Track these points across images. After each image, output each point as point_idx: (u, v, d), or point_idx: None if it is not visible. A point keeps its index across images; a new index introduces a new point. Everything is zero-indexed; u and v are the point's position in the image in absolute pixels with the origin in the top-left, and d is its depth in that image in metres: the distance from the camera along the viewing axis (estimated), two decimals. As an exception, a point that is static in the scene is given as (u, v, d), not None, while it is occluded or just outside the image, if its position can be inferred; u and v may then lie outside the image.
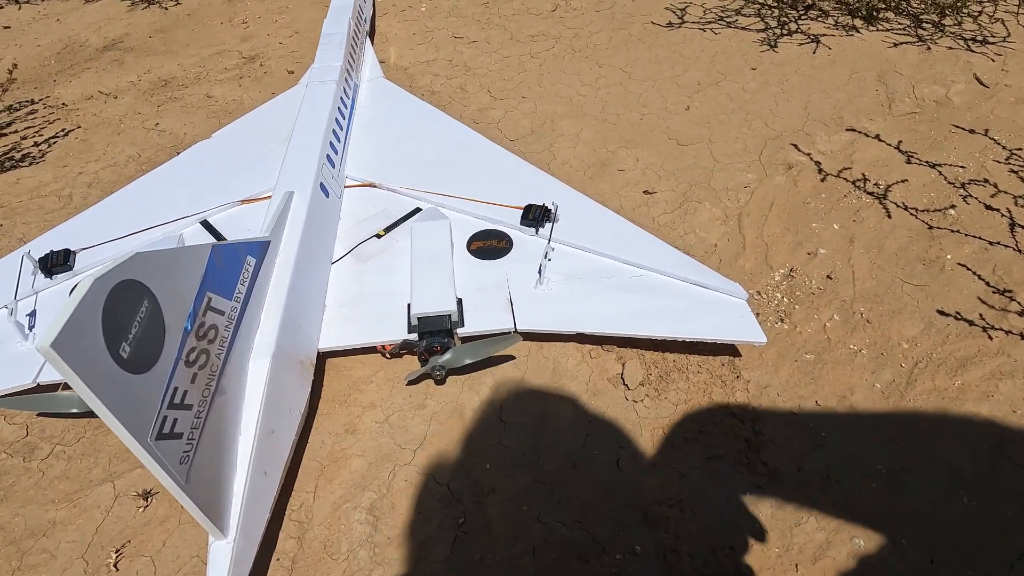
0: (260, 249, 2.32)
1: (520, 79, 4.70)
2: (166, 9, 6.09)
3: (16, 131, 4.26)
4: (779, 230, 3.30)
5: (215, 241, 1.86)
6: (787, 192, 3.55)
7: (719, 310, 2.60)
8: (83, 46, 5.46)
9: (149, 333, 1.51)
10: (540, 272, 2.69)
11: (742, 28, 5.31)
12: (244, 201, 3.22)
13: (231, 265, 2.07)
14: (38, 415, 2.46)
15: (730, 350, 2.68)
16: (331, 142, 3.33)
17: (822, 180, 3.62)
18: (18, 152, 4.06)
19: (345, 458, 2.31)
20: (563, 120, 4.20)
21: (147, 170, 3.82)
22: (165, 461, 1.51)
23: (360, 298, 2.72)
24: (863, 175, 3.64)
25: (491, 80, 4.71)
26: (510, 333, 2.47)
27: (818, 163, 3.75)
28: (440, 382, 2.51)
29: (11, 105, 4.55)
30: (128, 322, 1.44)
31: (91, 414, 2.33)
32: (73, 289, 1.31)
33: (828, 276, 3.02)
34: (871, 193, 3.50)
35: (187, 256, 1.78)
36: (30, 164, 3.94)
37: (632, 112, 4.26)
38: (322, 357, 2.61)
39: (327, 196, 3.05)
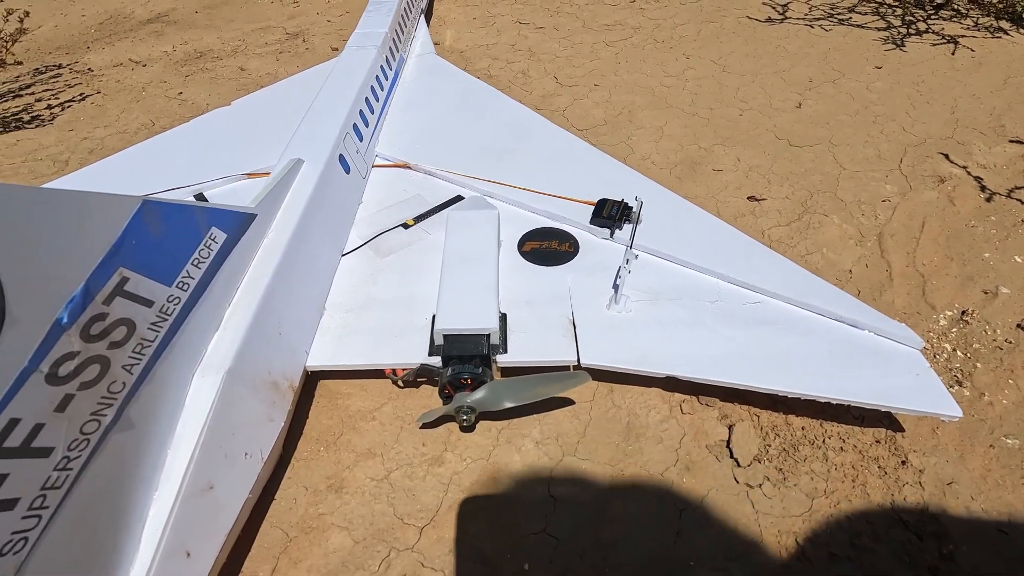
0: (236, 222, 1.67)
1: (592, 67, 4.02)
2: (219, -12, 5.77)
3: (34, 93, 3.88)
4: (938, 258, 2.44)
5: (145, 196, 1.20)
6: (942, 211, 2.69)
7: (880, 361, 1.78)
8: (127, 18, 5.16)
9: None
10: (617, 287, 1.94)
11: (858, 26, 4.49)
12: (250, 175, 2.63)
13: (179, 236, 1.42)
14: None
15: (885, 420, 1.84)
16: (361, 111, 2.71)
17: (988, 200, 2.75)
18: (28, 114, 3.65)
19: (322, 529, 1.60)
20: (643, 111, 3.48)
21: (157, 139, 3.32)
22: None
23: (372, 303, 2.04)
24: (1045, 196, 2.75)
25: (558, 66, 4.05)
26: (572, 368, 1.73)
27: (979, 178, 2.87)
28: (467, 429, 1.79)
29: (38, 68, 4.20)
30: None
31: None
32: None
33: (1019, 325, 2.15)
34: (1061, 220, 2.61)
35: (79, 206, 1.12)
36: (36, 126, 3.52)
37: (729, 107, 3.50)
38: (312, 377, 1.93)
39: (347, 171, 2.41)
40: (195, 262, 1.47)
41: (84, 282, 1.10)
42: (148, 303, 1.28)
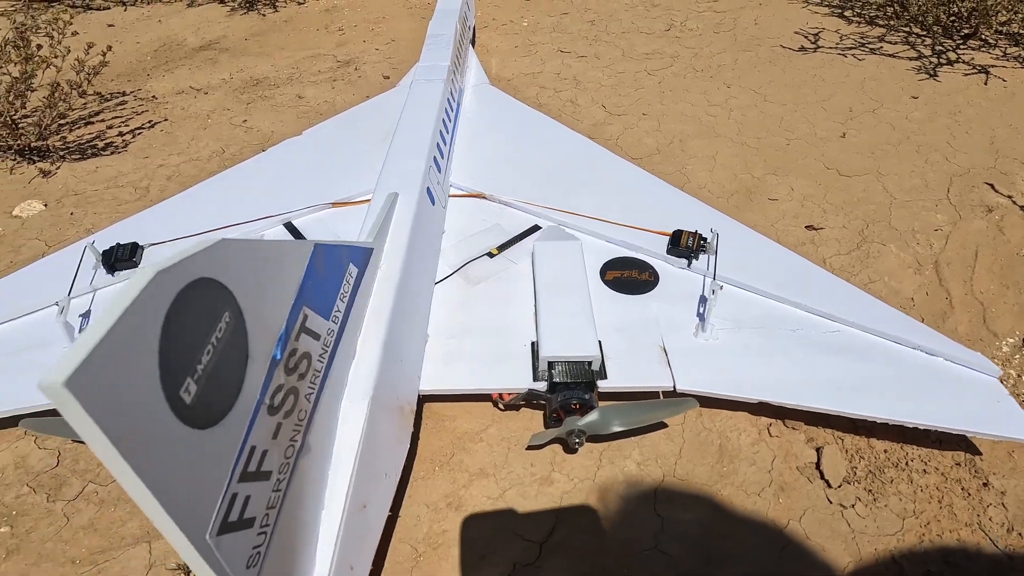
0: (363, 257, 1.81)
1: (637, 96, 4.18)
2: (264, 15, 5.98)
3: (104, 120, 4.05)
4: (995, 286, 2.56)
5: (316, 240, 1.34)
6: (993, 240, 2.81)
7: (960, 388, 1.89)
8: (180, 45, 5.36)
9: (227, 363, 0.98)
10: (703, 316, 2.07)
11: (890, 56, 4.65)
12: (336, 204, 2.77)
13: (332, 274, 1.55)
14: (73, 441, 1.99)
15: (962, 444, 1.95)
16: (437, 144, 2.86)
17: (1036, 228, 2.87)
18: (102, 141, 3.81)
19: (447, 545, 1.71)
20: (693, 140, 3.62)
21: (231, 166, 3.48)
22: (226, 566, 0.96)
23: (469, 330, 2.16)
24: (1090, 226, 2.87)
25: (604, 95, 4.21)
26: (679, 395, 1.84)
27: (1024, 208, 3.00)
28: (572, 451, 1.90)
29: (103, 95, 4.38)
30: (199, 345, 0.91)
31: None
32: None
33: (1079, 352, 2.26)
34: (1108, 249, 2.72)
35: (283, 253, 1.26)
36: (112, 153, 3.68)
37: (775, 136, 3.64)
38: (420, 402, 2.05)
39: (432, 203, 2.55)
40: (341, 296, 1.60)
41: (285, 320, 1.23)
42: (317, 336, 1.41)
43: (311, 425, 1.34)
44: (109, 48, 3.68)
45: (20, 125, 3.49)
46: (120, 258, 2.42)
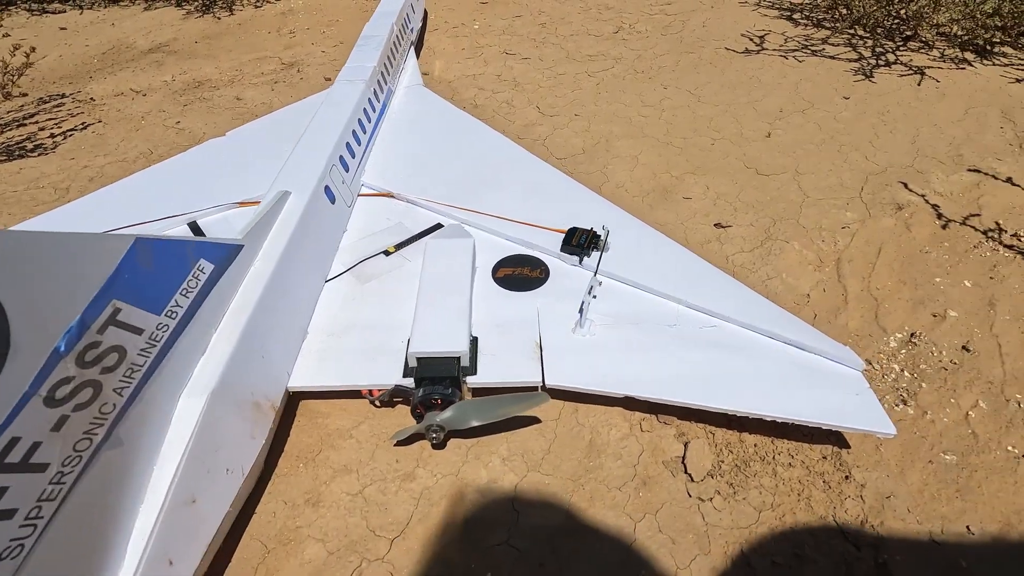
0: (223, 253, 1.81)
1: (574, 96, 4.20)
2: (219, 19, 5.99)
3: (37, 122, 4.04)
4: (892, 282, 2.58)
5: (138, 234, 1.33)
6: (898, 237, 2.83)
7: (825, 382, 1.90)
8: (129, 48, 5.36)
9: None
10: (581, 311, 2.07)
11: (830, 57, 4.69)
12: (242, 204, 2.77)
13: (169, 269, 1.55)
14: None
15: (833, 437, 1.96)
16: (348, 143, 2.86)
17: (943, 227, 2.90)
18: (31, 142, 3.81)
19: (298, 541, 1.71)
20: (620, 140, 3.64)
21: (154, 167, 3.47)
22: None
23: (352, 327, 2.17)
24: (997, 224, 2.89)
25: (541, 96, 4.23)
26: (536, 389, 1.85)
27: (935, 206, 3.03)
28: (438, 446, 1.90)
29: (43, 97, 4.37)
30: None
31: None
32: None
33: (964, 347, 2.28)
34: (1010, 247, 2.75)
35: (81, 246, 1.26)
36: (39, 155, 3.67)
37: (702, 136, 3.67)
38: (293, 398, 2.05)
39: (332, 201, 2.56)
40: (183, 292, 1.60)
41: (80, 314, 1.23)
42: (138, 331, 1.41)
43: (122, 418, 1.34)
44: (33, 50, 3.67)
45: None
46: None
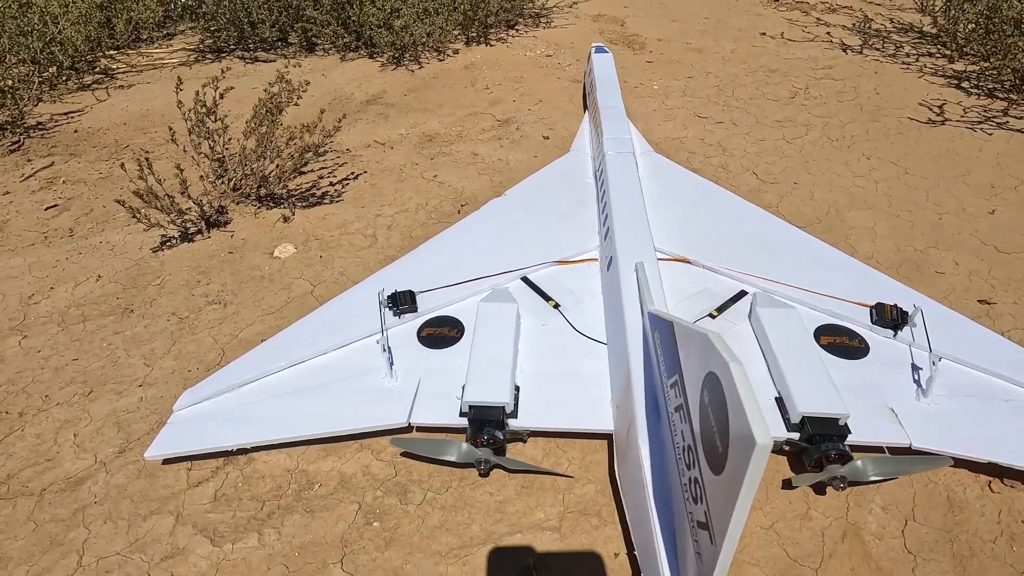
0: (665, 328, 2.26)
1: (784, 164, 4.60)
2: (412, 71, 6.68)
3: (312, 170, 4.69)
4: None
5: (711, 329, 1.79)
6: None
7: None
8: (349, 99, 6.06)
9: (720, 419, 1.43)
10: (921, 383, 2.44)
11: (1018, 131, 4.94)
12: (560, 262, 3.26)
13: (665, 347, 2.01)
14: (401, 455, 2.48)
15: None
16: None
17: None
18: (318, 190, 4.44)
19: (735, 565, 2.10)
20: (849, 211, 4.01)
21: (435, 218, 4.04)
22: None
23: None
24: None
25: (752, 162, 4.64)
26: (917, 452, 2.21)
27: None
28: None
29: (307, 146, 5.04)
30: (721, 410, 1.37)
31: (469, 465, 2.33)
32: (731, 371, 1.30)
33: None
34: None
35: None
36: (331, 202, 4.29)
37: (925, 210, 3.99)
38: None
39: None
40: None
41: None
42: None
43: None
44: (323, 112, 4.31)
45: (267, 176, 4.14)
46: (401, 303, 2.94)
